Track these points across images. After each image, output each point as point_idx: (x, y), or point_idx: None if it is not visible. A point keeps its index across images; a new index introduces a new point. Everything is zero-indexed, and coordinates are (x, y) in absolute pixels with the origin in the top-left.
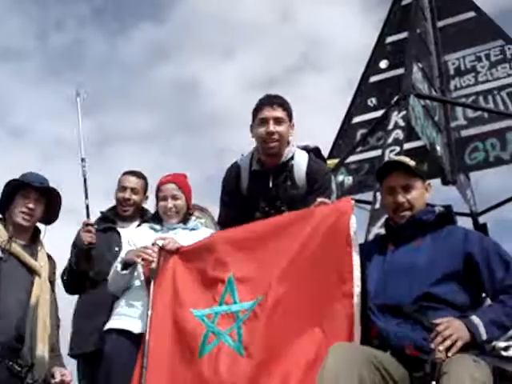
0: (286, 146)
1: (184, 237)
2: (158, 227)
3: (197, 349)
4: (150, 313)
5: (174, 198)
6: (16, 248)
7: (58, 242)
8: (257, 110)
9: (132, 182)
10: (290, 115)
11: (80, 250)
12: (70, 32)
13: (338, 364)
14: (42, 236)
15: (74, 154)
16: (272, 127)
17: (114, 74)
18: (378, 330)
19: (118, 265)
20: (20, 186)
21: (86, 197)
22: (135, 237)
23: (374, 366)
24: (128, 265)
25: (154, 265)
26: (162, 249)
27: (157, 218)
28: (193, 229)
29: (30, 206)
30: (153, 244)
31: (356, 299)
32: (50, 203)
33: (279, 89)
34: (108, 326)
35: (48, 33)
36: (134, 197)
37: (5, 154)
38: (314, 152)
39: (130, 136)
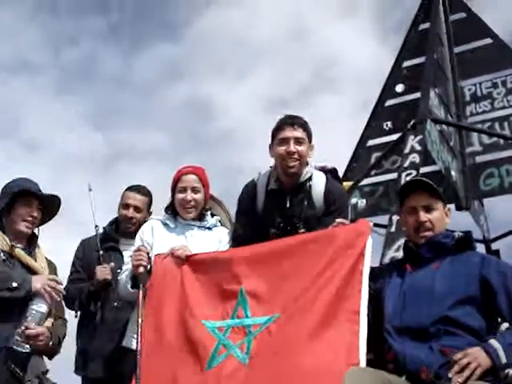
0: (304, 167)
1: (200, 236)
2: (172, 225)
3: (206, 360)
4: (140, 320)
5: (194, 190)
6: (19, 252)
7: (65, 252)
8: (277, 130)
9: (136, 199)
10: (309, 136)
11: (96, 285)
12: (85, 47)
13: None
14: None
15: (84, 167)
16: (292, 147)
17: (128, 91)
18: (394, 353)
19: (128, 281)
20: (20, 194)
21: (99, 259)
22: (147, 235)
23: None
24: (137, 279)
25: (141, 269)
26: (172, 255)
27: (171, 212)
28: (208, 227)
29: (35, 214)
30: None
31: (362, 317)
32: (47, 210)
33: (292, 109)
34: (130, 345)
35: (62, 47)
36: (138, 215)
37: (17, 166)
38: (331, 173)
39: (141, 153)
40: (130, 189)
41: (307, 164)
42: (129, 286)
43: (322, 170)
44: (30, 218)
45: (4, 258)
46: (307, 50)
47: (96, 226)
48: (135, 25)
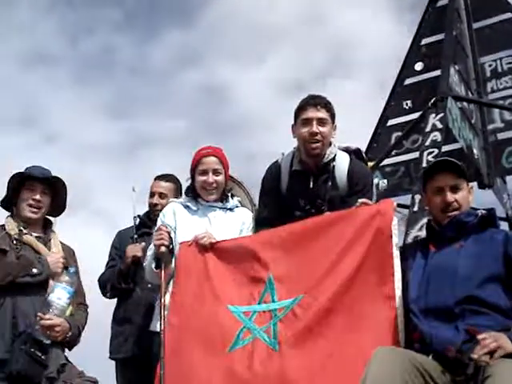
0: (327, 147)
1: (223, 218)
2: (193, 207)
3: (229, 343)
4: (163, 300)
5: (216, 172)
6: (28, 238)
7: (88, 241)
8: (300, 110)
9: (160, 186)
10: (332, 116)
11: (126, 262)
12: (101, 37)
13: (382, 369)
14: (53, 227)
15: (104, 158)
16: (315, 128)
17: (145, 78)
18: (420, 333)
19: (152, 261)
20: (25, 180)
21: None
22: (169, 218)
23: (417, 371)
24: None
25: (163, 249)
26: (196, 243)
27: (191, 194)
28: (230, 209)
29: (37, 197)
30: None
31: (398, 301)
32: (56, 195)
33: (309, 93)
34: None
35: (80, 38)
36: (162, 201)
37: (38, 159)
38: (355, 153)
39: (160, 140)
40: (156, 178)
41: (330, 144)
42: (153, 266)
43: (346, 150)
44: (33, 202)
45: (14, 242)
46: (325, 32)
47: (134, 217)
48: (151, 12)
